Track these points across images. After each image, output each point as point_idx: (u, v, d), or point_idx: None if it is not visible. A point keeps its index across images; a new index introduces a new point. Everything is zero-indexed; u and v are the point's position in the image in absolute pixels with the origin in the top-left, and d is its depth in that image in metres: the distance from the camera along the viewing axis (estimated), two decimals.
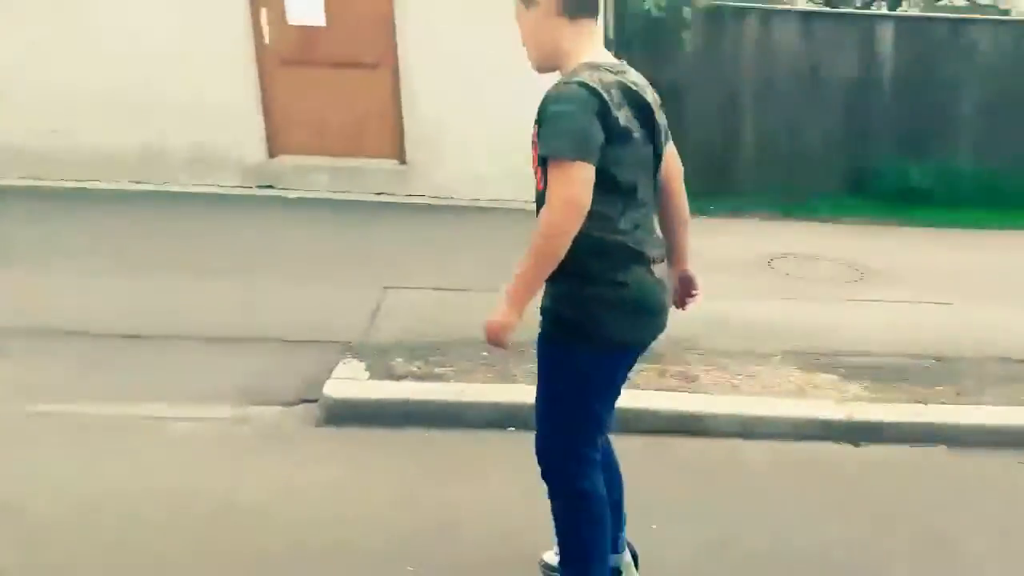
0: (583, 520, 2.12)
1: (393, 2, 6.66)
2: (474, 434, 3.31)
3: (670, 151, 2.15)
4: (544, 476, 2.15)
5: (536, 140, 1.92)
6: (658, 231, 2.12)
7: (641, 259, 2.00)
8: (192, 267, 4.90)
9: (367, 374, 3.57)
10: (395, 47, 6.81)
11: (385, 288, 4.73)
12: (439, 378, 3.58)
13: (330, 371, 3.60)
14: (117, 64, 6.69)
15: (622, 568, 2.36)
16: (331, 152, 7.16)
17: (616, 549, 2.30)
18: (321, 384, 3.48)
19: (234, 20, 6.64)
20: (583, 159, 1.82)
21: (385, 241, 5.76)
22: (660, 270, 2.07)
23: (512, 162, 7.00)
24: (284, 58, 6.88)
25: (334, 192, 7.02)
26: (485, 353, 3.86)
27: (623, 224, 1.96)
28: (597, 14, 2.06)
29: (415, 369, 3.65)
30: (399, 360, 3.76)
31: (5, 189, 6.39)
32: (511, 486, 2.82)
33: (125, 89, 6.74)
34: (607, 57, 2.02)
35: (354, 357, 3.76)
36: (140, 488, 2.80)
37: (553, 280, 1.95)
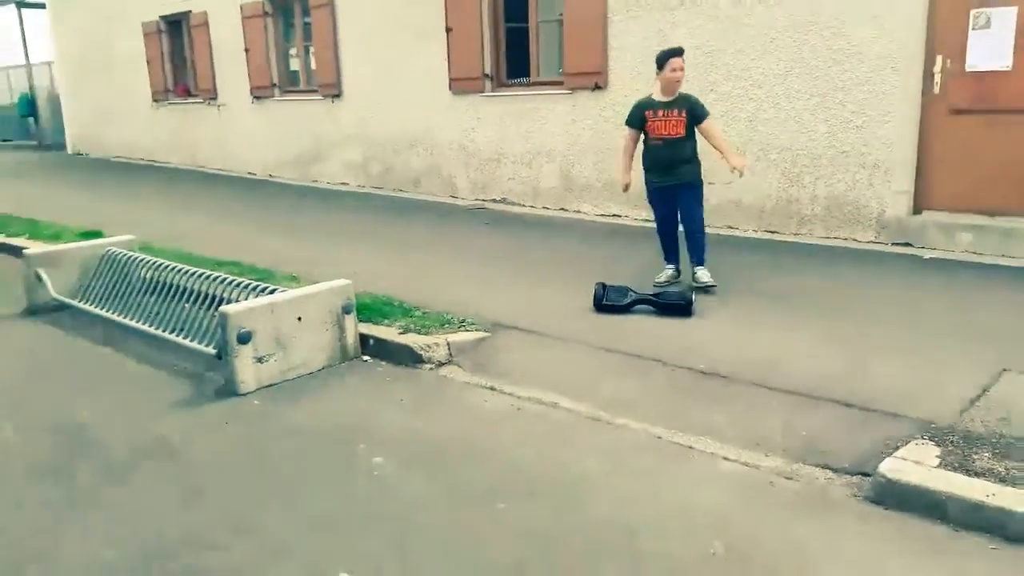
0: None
1: None
2: None
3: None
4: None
5: (686, 113, 5.34)
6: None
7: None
8: (785, 323, 4.96)
9: (937, 461, 3.09)
10: None
11: (1003, 371, 4.00)
12: None
13: (896, 448, 3.24)
14: (762, 110, 7.21)
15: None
16: (987, 210, 6.34)
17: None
18: (882, 459, 3.16)
19: (904, 70, 6.43)
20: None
21: None
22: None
23: None
24: (954, 108, 6.37)
25: (982, 254, 6.20)
26: None
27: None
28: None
29: (1002, 470, 3.01)
30: (985, 455, 3.15)
31: None
32: None
33: (773, 136, 7.21)
34: None
35: (930, 440, 3.30)
36: (671, 514, 3.00)
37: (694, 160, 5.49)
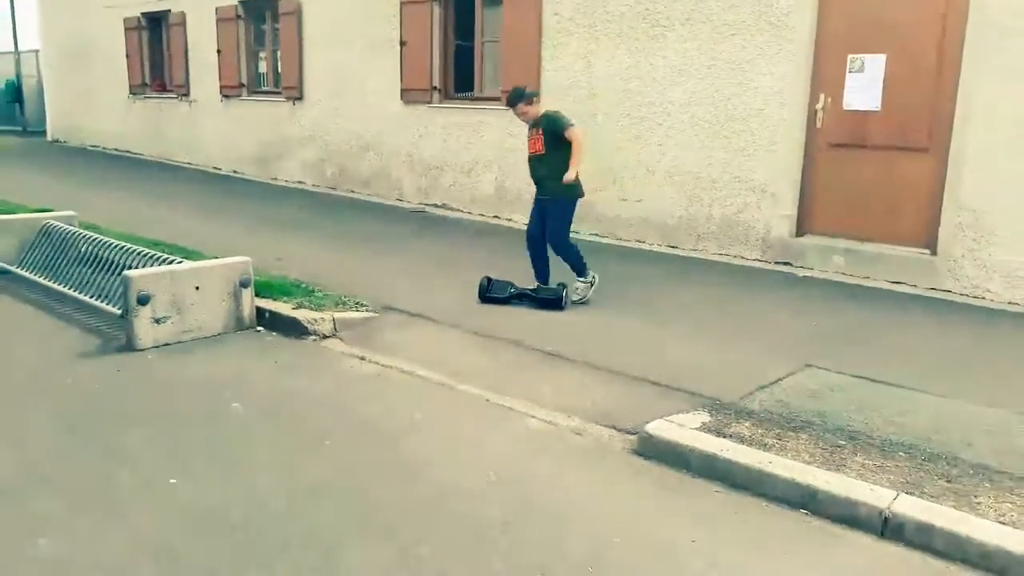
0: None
1: (957, 92, 6.21)
2: (762, 505, 3.15)
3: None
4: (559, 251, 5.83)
5: (547, 131, 5.63)
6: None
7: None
8: (643, 321, 5.55)
9: (699, 425, 3.66)
10: (950, 132, 6.33)
11: (807, 366, 4.59)
12: (764, 447, 3.46)
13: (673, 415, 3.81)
14: (670, 136, 7.85)
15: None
16: (856, 235, 6.98)
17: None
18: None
19: (791, 105, 7.07)
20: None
21: (864, 326, 5.44)
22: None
23: None
24: (832, 142, 7.02)
25: (850, 276, 6.82)
26: (843, 443, 3.55)
27: None
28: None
29: (748, 435, 3.59)
30: (746, 424, 3.72)
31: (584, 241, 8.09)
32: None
33: (678, 160, 7.84)
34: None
35: (707, 411, 3.87)
36: (467, 453, 3.56)
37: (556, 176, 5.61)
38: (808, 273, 6.99)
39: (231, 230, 8.30)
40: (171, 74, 14.70)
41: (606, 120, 8.31)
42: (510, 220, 9.42)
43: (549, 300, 5.64)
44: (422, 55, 10.15)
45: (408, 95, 10.42)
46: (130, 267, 5.40)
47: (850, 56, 6.78)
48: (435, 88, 10.17)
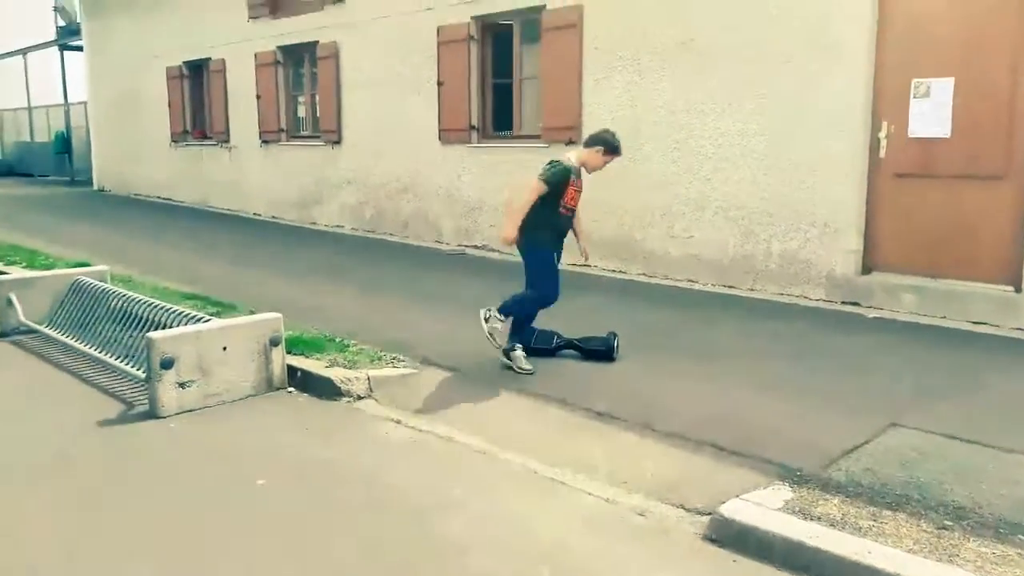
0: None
1: None
2: None
3: None
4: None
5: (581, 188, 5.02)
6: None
7: None
8: (699, 374, 5.10)
9: (781, 504, 3.20)
10: None
11: (891, 425, 4.09)
12: (859, 531, 2.98)
13: (749, 491, 3.35)
14: (720, 169, 7.44)
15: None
16: (929, 271, 6.44)
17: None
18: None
19: (851, 134, 6.62)
20: None
21: (949, 375, 4.91)
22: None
23: None
24: (897, 171, 6.54)
25: (924, 316, 6.29)
26: (949, 523, 3.06)
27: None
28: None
29: (839, 515, 3.11)
30: (835, 502, 3.25)
31: (631, 281, 7.68)
32: None
33: (731, 194, 7.41)
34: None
35: (788, 485, 3.41)
36: (512, 538, 3.14)
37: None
38: (878, 314, 6.47)
39: (266, 278, 8.08)
40: (211, 121, 14.77)
41: (652, 153, 7.95)
42: None
43: (598, 351, 5.23)
44: (460, 94, 9.93)
45: (446, 135, 10.19)
46: (159, 323, 5.15)
47: (914, 80, 6.32)
48: (473, 127, 9.93)
